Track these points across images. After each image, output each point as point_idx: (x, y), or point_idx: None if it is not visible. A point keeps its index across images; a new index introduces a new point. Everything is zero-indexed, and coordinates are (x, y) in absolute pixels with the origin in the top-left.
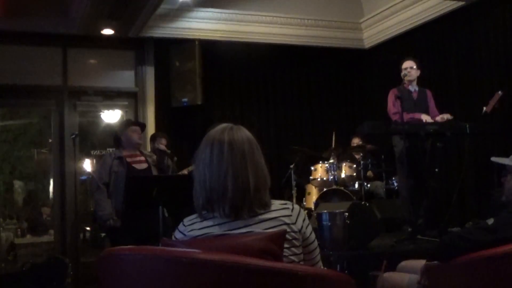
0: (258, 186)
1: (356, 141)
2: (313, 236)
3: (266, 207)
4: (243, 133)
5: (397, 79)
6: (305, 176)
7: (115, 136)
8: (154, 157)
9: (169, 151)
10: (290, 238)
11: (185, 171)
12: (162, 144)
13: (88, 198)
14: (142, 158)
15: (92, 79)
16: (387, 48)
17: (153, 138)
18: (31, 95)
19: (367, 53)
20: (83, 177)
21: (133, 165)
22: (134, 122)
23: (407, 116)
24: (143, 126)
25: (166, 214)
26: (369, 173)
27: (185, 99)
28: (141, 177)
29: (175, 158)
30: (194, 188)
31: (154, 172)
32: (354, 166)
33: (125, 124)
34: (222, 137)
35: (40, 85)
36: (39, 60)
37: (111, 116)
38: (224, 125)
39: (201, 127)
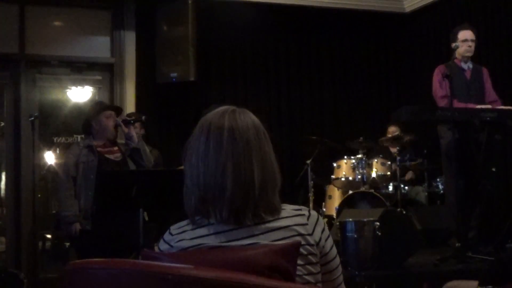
0: (265, 185)
1: (391, 131)
2: (334, 251)
3: (275, 212)
4: (248, 118)
5: (444, 52)
6: (325, 174)
7: (85, 122)
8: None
9: (131, 118)
10: (305, 252)
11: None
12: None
13: (49, 197)
14: (116, 148)
15: (56, 46)
16: (433, 12)
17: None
18: None
19: (408, 18)
20: (44, 171)
21: (106, 155)
22: (108, 105)
23: (458, 105)
24: (119, 111)
25: (147, 219)
26: (408, 172)
27: (174, 74)
28: (117, 172)
29: (144, 117)
30: (185, 185)
31: (131, 165)
32: (389, 163)
33: (98, 108)
34: (221, 122)
35: None
36: None
37: (80, 94)
38: (224, 107)
39: (194, 110)
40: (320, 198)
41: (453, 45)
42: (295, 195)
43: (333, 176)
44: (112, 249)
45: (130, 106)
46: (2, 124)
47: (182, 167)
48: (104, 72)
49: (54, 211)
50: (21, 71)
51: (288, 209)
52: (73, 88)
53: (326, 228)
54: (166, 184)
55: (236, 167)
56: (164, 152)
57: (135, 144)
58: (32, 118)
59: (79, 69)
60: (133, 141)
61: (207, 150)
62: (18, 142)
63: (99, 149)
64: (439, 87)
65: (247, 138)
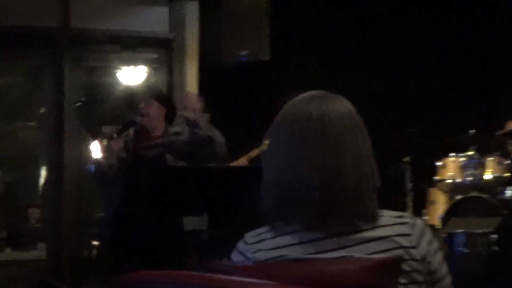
0: (360, 186)
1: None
2: (444, 268)
3: (371, 219)
4: (341, 105)
5: None
6: (426, 175)
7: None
8: (183, 136)
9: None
10: (408, 269)
11: (243, 160)
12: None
13: (96, 197)
14: (159, 140)
15: (105, 19)
16: None
17: None
18: (14, 41)
19: None
20: (91, 166)
21: (141, 152)
22: (160, 94)
23: None
24: (168, 105)
25: (186, 228)
26: None
27: (244, 52)
28: (178, 168)
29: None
30: (263, 185)
31: (170, 156)
32: (507, 162)
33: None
34: (309, 109)
35: (27, 27)
36: None
37: (132, 76)
38: (312, 92)
39: (267, 95)
40: (420, 204)
41: None
42: (389, 200)
43: (436, 178)
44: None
45: (191, 88)
46: (43, 110)
47: (254, 153)
48: (160, 49)
49: (101, 214)
50: (63, 48)
51: (387, 216)
52: (124, 68)
53: (434, 240)
54: (237, 183)
55: (325, 162)
56: (230, 145)
57: (207, 132)
58: (80, 103)
59: (132, 46)
60: (200, 128)
61: (290, 142)
62: (60, 132)
63: (138, 144)
64: None
65: (340, 129)
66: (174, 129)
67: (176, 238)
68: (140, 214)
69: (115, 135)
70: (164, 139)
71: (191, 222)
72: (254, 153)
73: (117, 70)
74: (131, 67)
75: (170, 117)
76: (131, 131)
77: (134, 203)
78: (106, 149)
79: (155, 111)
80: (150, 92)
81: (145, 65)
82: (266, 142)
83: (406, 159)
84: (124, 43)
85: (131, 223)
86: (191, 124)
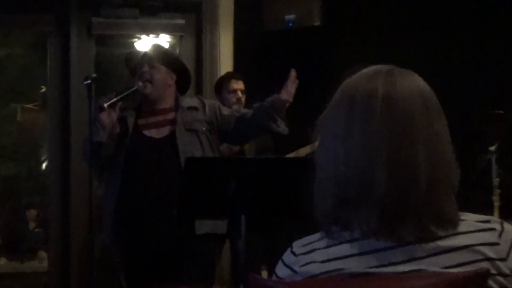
0: (435, 182)
1: None
2: None
3: (449, 225)
4: (413, 82)
5: None
6: None
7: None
8: (201, 113)
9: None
10: (495, 287)
11: (293, 155)
12: (234, 92)
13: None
14: (168, 116)
15: None
16: None
17: (219, 84)
18: (9, 5)
19: None
20: None
21: (144, 131)
22: (169, 57)
23: None
24: (180, 71)
25: (198, 231)
26: None
27: (290, 17)
28: (206, 159)
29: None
30: (316, 180)
31: (185, 136)
32: None
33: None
34: (373, 87)
35: None
36: None
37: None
38: (376, 67)
39: (321, 71)
40: (510, 205)
41: None
42: (470, 199)
43: None
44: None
45: (225, 62)
46: (44, 89)
47: (305, 150)
48: (188, 14)
49: None
50: (70, 13)
51: (469, 220)
52: (144, 37)
53: None
54: (283, 178)
55: (393, 152)
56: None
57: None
58: (89, 81)
59: (153, 10)
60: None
61: (350, 127)
62: (67, 115)
63: (140, 120)
64: None
65: (411, 112)
66: (188, 101)
67: (188, 242)
68: (144, 214)
69: (105, 105)
70: (178, 114)
71: (204, 225)
72: (304, 150)
73: (135, 40)
74: (152, 36)
75: (182, 88)
76: (131, 102)
77: (136, 198)
78: (93, 122)
79: (162, 77)
80: (156, 53)
81: (169, 33)
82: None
83: (492, 148)
84: (144, 6)
85: (132, 226)
86: (276, 111)
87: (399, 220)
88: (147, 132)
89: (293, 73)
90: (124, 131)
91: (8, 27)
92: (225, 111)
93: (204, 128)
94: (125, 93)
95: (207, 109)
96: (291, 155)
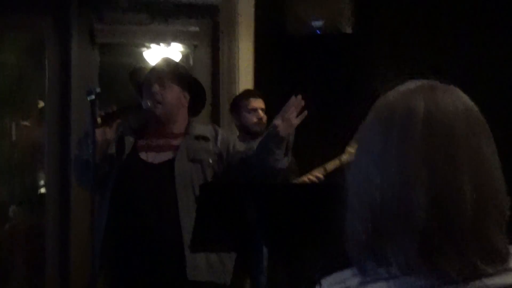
0: (482, 211)
1: None
2: None
3: (500, 259)
4: (458, 100)
5: None
6: None
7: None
8: (211, 144)
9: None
10: None
11: (317, 174)
12: (255, 111)
13: None
14: (174, 142)
15: None
16: None
17: (237, 104)
18: (3, 7)
19: None
20: None
21: (140, 153)
22: (183, 74)
23: None
24: (195, 91)
25: (190, 277)
26: None
27: (318, 23)
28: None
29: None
30: (348, 209)
31: (187, 166)
32: None
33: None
34: (413, 104)
35: None
36: None
37: (165, 56)
38: (416, 82)
39: (351, 82)
40: None
41: None
42: None
43: None
44: None
45: (245, 73)
46: (42, 104)
47: (331, 165)
48: (203, 20)
49: None
50: (70, 16)
51: None
52: (153, 46)
53: None
54: (308, 206)
55: (434, 177)
56: (299, 149)
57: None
58: (93, 97)
59: (164, 15)
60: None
61: (386, 150)
62: (67, 132)
63: (140, 142)
64: None
65: (454, 132)
66: (200, 129)
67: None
68: (131, 248)
69: (99, 120)
70: (184, 141)
71: (199, 269)
72: (332, 165)
73: (143, 49)
74: (163, 45)
75: (195, 109)
76: (134, 120)
77: (123, 229)
78: (82, 140)
79: (175, 97)
80: (167, 70)
81: (181, 42)
82: (351, 149)
83: None
84: (154, 11)
85: (118, 260)
86: (279, 143)
87: (442, 253)
88: (143, 155)
89: (294, 98)
90: (120, 151)
91: (1, 31)
92: (241, 147)
93: (211, 160)
94: (126, 109)
95: (219, 140)
96: (317, 170)
